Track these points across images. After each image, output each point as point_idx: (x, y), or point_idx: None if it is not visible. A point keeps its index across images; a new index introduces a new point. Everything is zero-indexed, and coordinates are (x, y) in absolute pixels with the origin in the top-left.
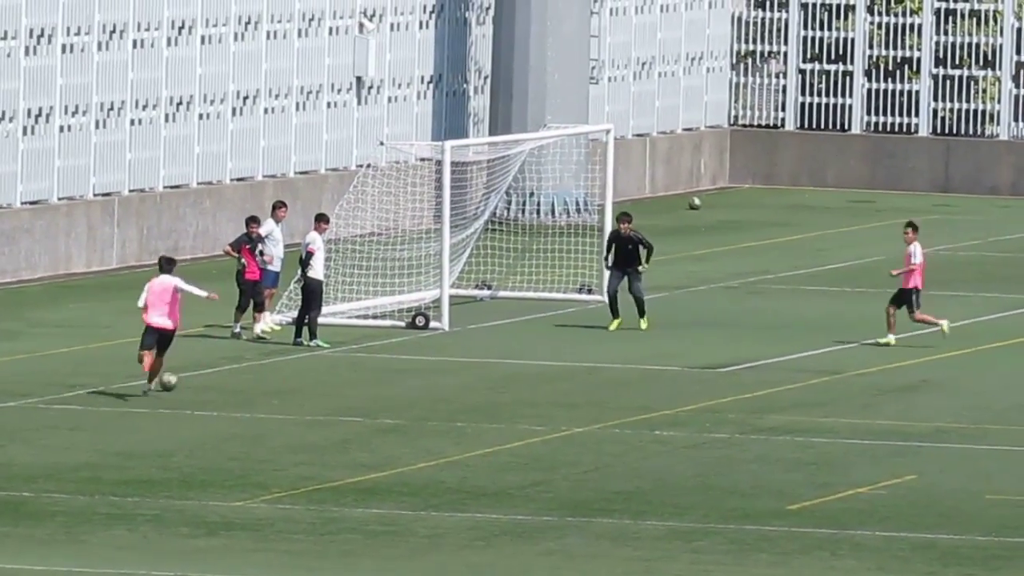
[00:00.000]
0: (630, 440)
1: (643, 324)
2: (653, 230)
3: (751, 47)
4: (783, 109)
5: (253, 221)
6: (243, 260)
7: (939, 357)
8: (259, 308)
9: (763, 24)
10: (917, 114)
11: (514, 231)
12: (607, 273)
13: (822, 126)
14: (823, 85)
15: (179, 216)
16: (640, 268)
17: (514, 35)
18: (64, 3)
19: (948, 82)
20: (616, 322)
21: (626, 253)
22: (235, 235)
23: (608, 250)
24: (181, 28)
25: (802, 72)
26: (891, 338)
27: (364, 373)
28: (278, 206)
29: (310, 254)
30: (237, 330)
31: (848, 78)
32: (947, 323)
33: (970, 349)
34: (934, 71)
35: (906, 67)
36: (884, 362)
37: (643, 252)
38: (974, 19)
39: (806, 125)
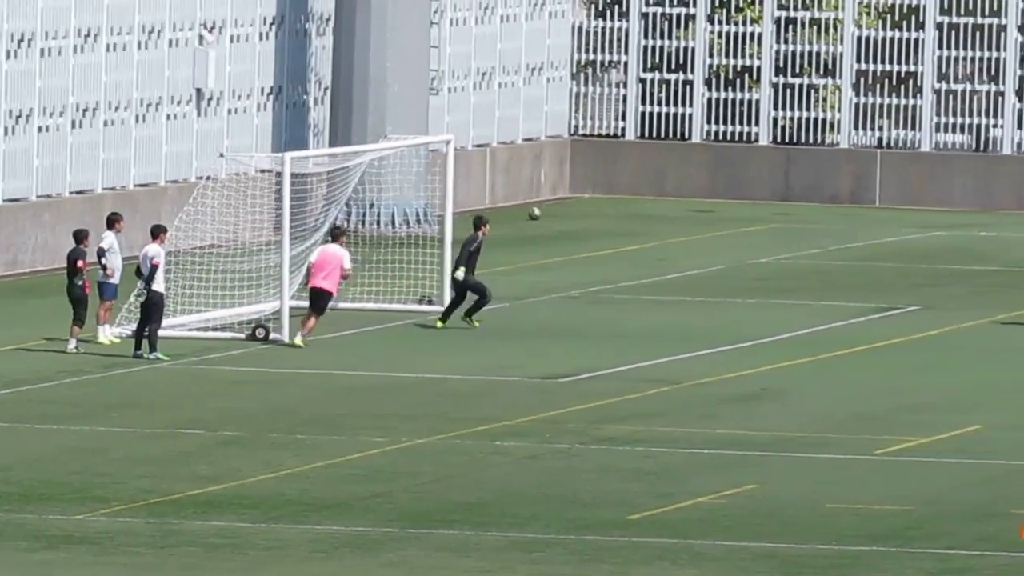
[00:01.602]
0: (471, 451)
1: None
2: (494, 241)
3: (591, 57)
4: (623, 119)
5: (82, 234)
6: (84, 273)
7: (779, 366)
8: (80, 322)
9: (603, 34)
10: (757, 123)
11: (354, 242)
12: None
13: (662, 135)
14: (663, 94)
15: (19, 229)
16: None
17: (354, 46)
18: None
19: (788, 91)
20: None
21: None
22: (72, 248)
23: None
24: (21, 41)
25: (642, 81)
26: None
27: (204, 385)
28: (116, 218)
29: (155, 267)
30: (72, 346)
31: (688, 87)
32: None
33: (811, 358)
34: (774, 80)
35: (746, 76)
36: (724, 371)
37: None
38: (814, 28)
39: (646, 134)
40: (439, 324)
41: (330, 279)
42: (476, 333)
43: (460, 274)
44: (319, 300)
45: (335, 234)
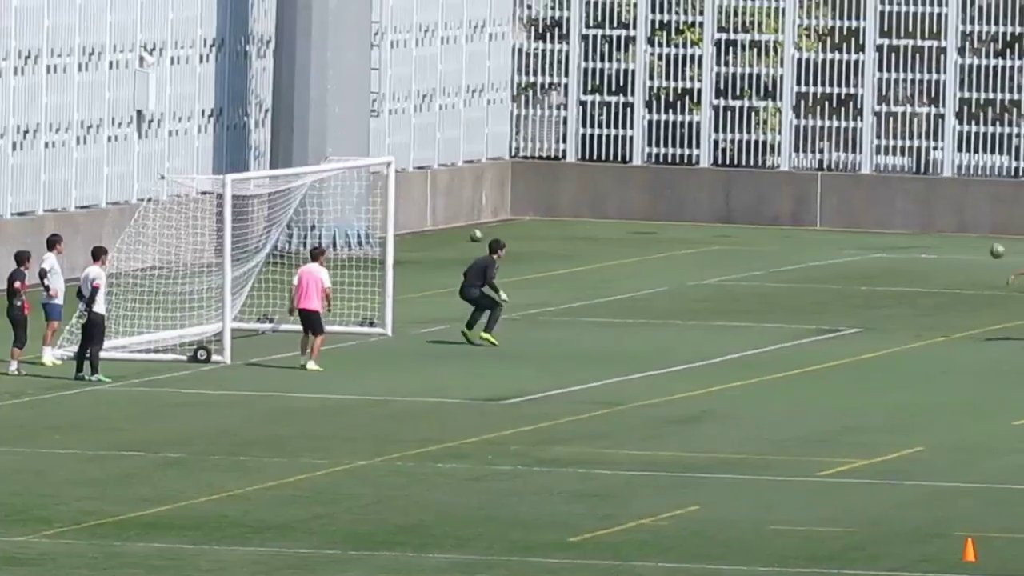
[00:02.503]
0: (412, 473)
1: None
2: (435, 263)
3: (532, 79)
4: (564, 141)
5: (23, 256)
6: (22, 295)
7: (721, 388)
8: (20, 344)
9: (544, 56)
10: (698, 145)
11: (296, 264)
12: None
13: (603, 158)
14: (604, 117)
15: None
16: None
17: (294, 68)
18: None
19: (729, 113)
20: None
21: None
22: (13, 269)
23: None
24: None
25: (583, 104)
26: None
27: (146, 407)
28: (56, 240)
29: (95, 289)
30: (14, 368)
31: (629, 109)
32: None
33: (752, 380)
34: (715, 102)
35: (687, 98)
36: (666, 393)
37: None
38: (755, 50)
39: (587, 157)
40: (483, 335)
41: (313, 298)
42: (420, 354)
43: (504, 295)
44: (308, 321)
45: (314, 254)
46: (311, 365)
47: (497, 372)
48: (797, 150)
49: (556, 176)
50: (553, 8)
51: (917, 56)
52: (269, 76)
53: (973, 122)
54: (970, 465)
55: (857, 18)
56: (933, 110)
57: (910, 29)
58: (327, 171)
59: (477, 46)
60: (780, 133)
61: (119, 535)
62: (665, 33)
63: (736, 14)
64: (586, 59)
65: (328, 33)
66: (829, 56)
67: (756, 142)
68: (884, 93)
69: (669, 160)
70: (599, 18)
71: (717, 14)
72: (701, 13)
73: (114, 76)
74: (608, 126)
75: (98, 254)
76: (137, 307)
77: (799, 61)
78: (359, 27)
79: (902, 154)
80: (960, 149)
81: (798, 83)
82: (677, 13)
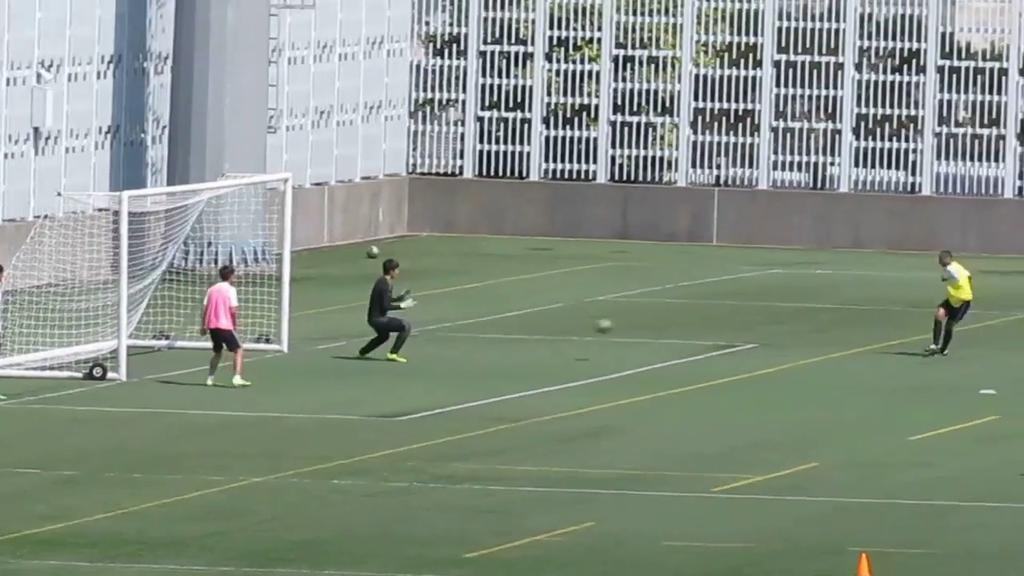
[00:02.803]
0: (308, 489)
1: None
2: (332, 280)
3: (429, 95)
4: (461, 157)
5: None
6: None
7: (618, 404)
8: None
9: (441, 72)
10: (595, 161)
11: (192, 281)
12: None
13: (500, 174)
14: (501, 133)
15: None
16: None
17: (192, 85)
18: None
19: (626, 129)
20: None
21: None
22: None
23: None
24: None
25: (480, 120)
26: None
27: (41, 424)
28: None
29: None
30: None
31: (526, 125)
32: None
33: (649, 396)
34: (612, 118)
35: (584, 114)
36: (562, 409)
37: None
38: (652, 66)
39: (484, 173)
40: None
41: (222, 317)
42: (316, 371)
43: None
44: (219, 340)
45: (223, 273)
46: (237, 380)
47: (393, 389)
48: (694, 166)
49: (453, 192)
50: (451, 25)
51: (814, 72)
52: (167, 93)
53: (870, 138)
54: (866, 481)
55: (754, 34)
56: (830, 126)
57: (807, 45)
58: (224, 188)
59: (375, 62)
60: (677, 149)
61: (13, 553)
62: (563, 49)
63: (634, 30)
64: (484, 75)
65: (226, 50)
66: (726, 72)
67: (653, 158)
68: (781, 109)
69: (566, 176)
70: (497, 34)
71: (615, 30)
72: (599, 29)
73: (11, 93)
74: (506, 142)
75: None
76: (33, 324)
77: (696, 77)
78: (257, 44)
79: (799, 170)
80: (857, 165)
81: (695, 99)
82: (575, 29)
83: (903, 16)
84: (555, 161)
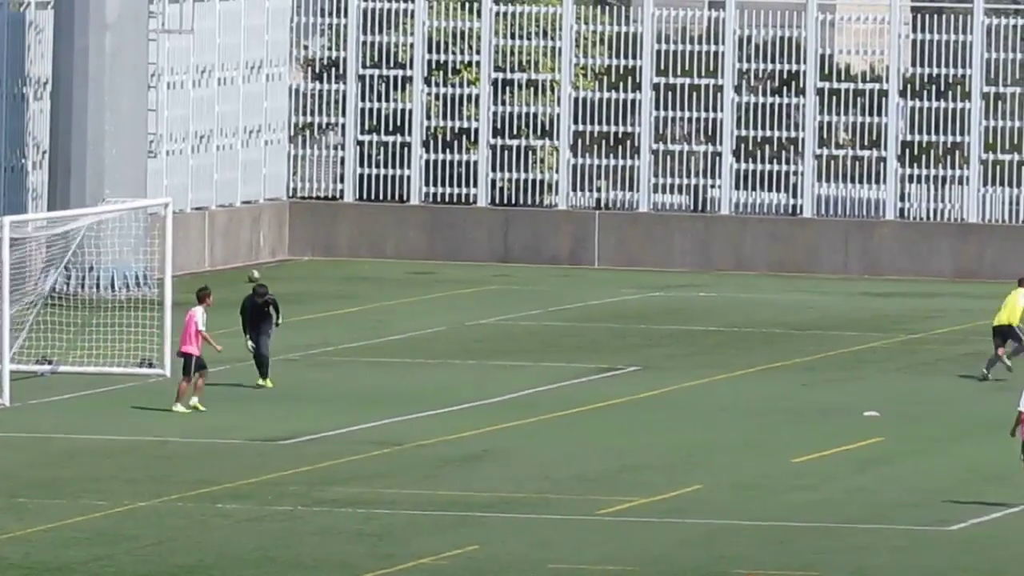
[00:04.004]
0: (192, 514)
1: (268, 383)
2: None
3: (309, 119)
4: (342, 181)
5: None
6: None
7: (501, 427)
8: None
9: (321, 96)
10: (476, 184)
11: (74, 306)
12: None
13: (381, 197)
14: (381, 156)
15: None
16: (277, 324)
17: (72, 110)
18: None
19: (506, 152)
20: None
21: (261, 314)
22: None
23: (244, 317)
24: None
25: (360, 144)
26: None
27: None
28: None
29: None
30: None
31: (406, 149)
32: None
33: (532, 419)
34: (492, 141)
35: (464, 137)
36: (446, 433)
37: (274, 313)
38: (531, 89)
39: (365, 196)
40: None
41: (191, 341)
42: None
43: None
44: (186, 364)
45: (199, 296)
46: (194, 400)
47: (276, 413)
48: (575, 189)
49: (334, 216)
50: (330, 49)
51: (694, 94)
52: (46, 118)
53: (750, 160)
54: (749, 503)
55: (634, 57)
56: (710, 148)
57: (686, 67)
58: (105, 213)
59: (254, 87)
60: (558, 172)
61: None
62: (442, 73)
63: (512, 53)
64: (363, 99)
65: (105, 75)
66: (606, 95)
67: (534, 181)
68: (661, 131)
69: (447, 199)
70: (376, 58)
71: (494, 54)
72: (478, 53)
73: None
74: (386, 166)
75: None
76: None
77: (576, 100)
78: (136, 69)
79: (679, 192)
80: (737, 187)
81: (575, 122)
82: (454, 53)
83: (782, 38)
84: (435, 185)
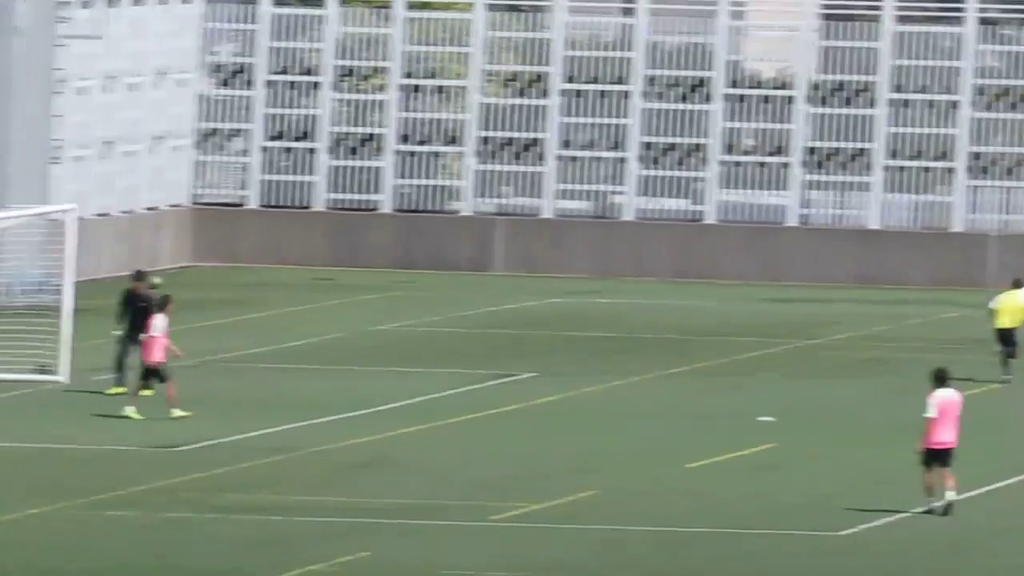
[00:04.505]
0: (86, 521)
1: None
2: (114, 311)
3: (215, 125)
4: (246, 187)
5: None
6: None
7: (397, 433)
8: None
9: (228, 102)
10: (380, 191)
11: None
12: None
13: (285, 203)
14: (287, 163)
15: None
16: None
17: None
18: None
19: (412, 159)
20: (119, 389)
21: (143, 314)
22: None
23: (123, 313)
24: None
25: (265, 150)
26: None
27: None
28: None
29: None
30: None
31: (312, 155)
32: None
33: (429, 425)
34: (398, 148)
35: (370, 144)
36: (341, 439)
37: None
38: (439, 95)
39: (269, 203)
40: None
41: (154, 349)
42: (96, 402)
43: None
44: (153, 373)
45: (160, 303)
46: (176, 412)
47: (172, 419)
48: (479, 195)
49: (237, 222)
50: (239, 55)
51: (601, 101)
52: None
53: (655, 166)
54: (644, 508)
55: (543, 63)
56: (615, 155)
57: (595, 74)
58: (7, 219)
59: (160, 93)
60: (463, 178)
61: None
62: (351, 79)
63: (421, 60)
64: (271, 105)
65: (11, 79)
66: (514, 101)
67: (438, 187)
68: (567, 138)
69: (351, 206)
70: (284, 64)
71: (403, 60)
72: (387, 59)
73: None
74: (291, 172)
75: None
76: None
77: (484, 106)
78: (42, 74)
79: (584, 198)
80: (642, 193)
81: (482, 128)
82: (363, 59)
83: (691, 45)
84: (340, 191)
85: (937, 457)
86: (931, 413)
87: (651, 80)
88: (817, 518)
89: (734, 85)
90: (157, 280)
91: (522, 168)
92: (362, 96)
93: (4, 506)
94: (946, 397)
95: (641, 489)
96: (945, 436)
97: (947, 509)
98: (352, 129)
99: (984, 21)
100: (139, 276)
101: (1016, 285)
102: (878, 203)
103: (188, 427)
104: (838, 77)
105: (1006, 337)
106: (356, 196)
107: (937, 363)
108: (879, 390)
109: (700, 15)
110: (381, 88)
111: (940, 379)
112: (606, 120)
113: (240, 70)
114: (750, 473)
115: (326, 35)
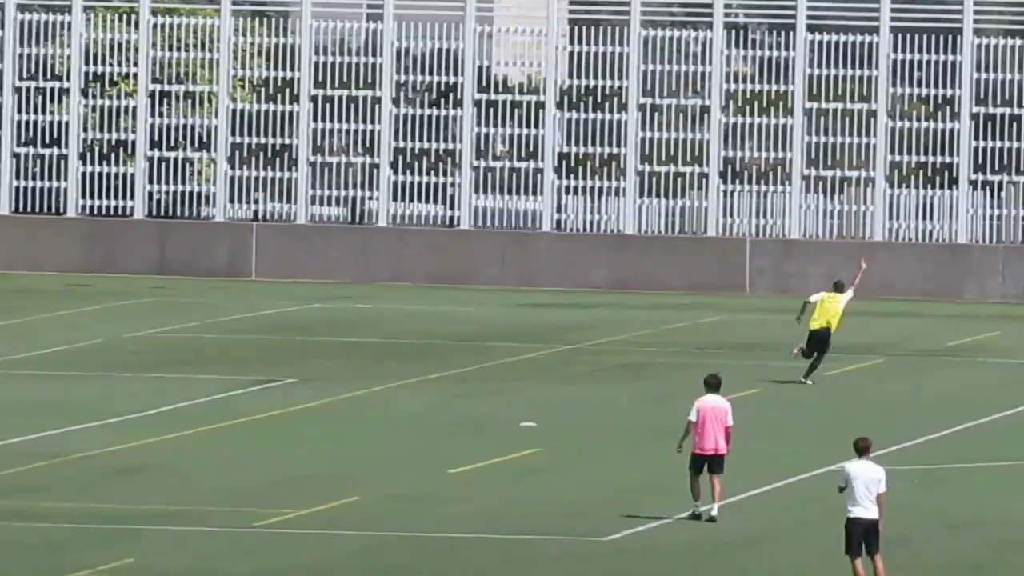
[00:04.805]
0: None
1: None
2: None
3: None
4: None
5: None
6: None
7: (157, 439)
8: None
9: None
10: (133, 196)
11: None
12: None
13: (38, 210)
14: (38, 169)
15: None
16: None
17: None
18: None
19: (164, 164)
20: None
21: None
22: None
23: None
24: None
25: (16, 156)
26: None
27: None
28: None
29: None
30: None
31: (63, 161)
32: None
33: (188, 431)
34: (150, 153)
35: (121, 149)
36: (103, 445)
37: None
38: (189, 101)
39: (21, 209)
40: None
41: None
42: None
43: None
44: None
45: None
46: None
47: None
48: (233, 201)
49: None
50: None
51: (352, 106)
52: None
53: (408, 172)
54: (407, 515)
55: (291, 69)
56: (368, 160)
57: (344, 79)
58: None
59: None
60: (215, 184)
61: None
62: (99, 85)
63: (170, 65)
64: (20, 111)
65: None
66: (264, 107)
67: (191, 193)
68: (319, 143)
69: (104, 212)
70: (32, 70)
71: (151, 65)
72: (135, 65)
73: None
74: (43, 178)
75: None
76: None
77: (234, 112)
78: None
79: (337, 204)
80: (395, 199)
81: (233, 134)
82: (111, 65)
83: (440, 50)
84: (92, 197)
85: (703, 462)
86: (692, 417)
87: (400, 85)
88: (580, 524)
89: (484, 90)
90: None
91: (275, 174)
92: (111, 102)
93: None
94: (711, 403)
95: (403, 495)
96: (709, 443)
97: (711, 515)
98: (102, 135)
99: (732, 26)
100: None
101: (837, 288)
102: (632, 208)
103: None
104: (588, 82)
105: (820, 338)
106: (109, 202)
107: (696, 368)
108: (640, 394)
109: (448, 20)
110: (130, 94)
111: (708, 384)
112: (357, 125)
113: None
114: (514, 478)
115: (73, 41)
